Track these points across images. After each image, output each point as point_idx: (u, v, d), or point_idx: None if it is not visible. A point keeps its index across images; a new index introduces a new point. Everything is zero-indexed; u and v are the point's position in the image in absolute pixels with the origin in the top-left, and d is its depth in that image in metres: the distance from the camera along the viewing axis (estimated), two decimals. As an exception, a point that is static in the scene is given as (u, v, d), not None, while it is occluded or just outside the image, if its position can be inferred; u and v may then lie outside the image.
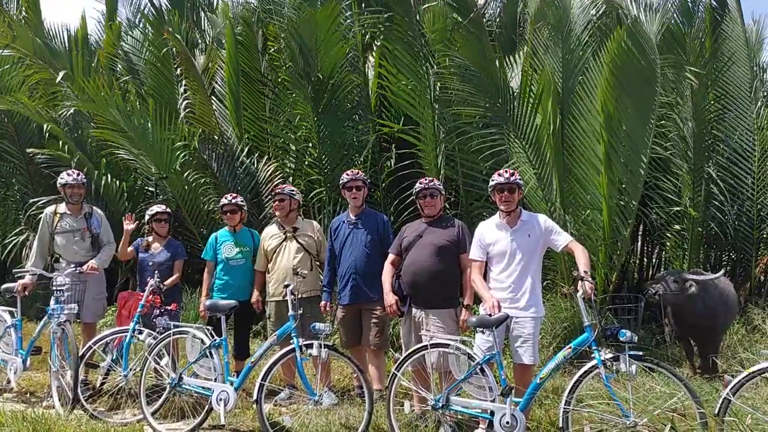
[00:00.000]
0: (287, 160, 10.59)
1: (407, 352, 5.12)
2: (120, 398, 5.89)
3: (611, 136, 7.71)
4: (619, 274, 8.58)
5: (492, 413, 4.66)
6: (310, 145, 10.17)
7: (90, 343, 5.87)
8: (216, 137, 10.38)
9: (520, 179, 5.16)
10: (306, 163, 10.23)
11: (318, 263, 6.39)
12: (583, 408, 4.72)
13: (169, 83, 10.87)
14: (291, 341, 5.13)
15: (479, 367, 4.76)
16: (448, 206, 9.75)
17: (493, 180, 5.15)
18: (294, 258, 6.14)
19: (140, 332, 5.80)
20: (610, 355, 4.41)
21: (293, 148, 10.47)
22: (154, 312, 5.96)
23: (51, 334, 6.00)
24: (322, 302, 6.09)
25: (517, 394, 4.78)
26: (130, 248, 6.69)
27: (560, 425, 4.44)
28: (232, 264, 6.41)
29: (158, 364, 5.55)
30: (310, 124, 9.85)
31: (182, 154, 9.69)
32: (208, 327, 5.48)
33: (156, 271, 6.31)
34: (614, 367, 4.38)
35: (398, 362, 5.09)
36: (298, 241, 6.21)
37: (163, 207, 6.77)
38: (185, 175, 9.61)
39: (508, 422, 4.57)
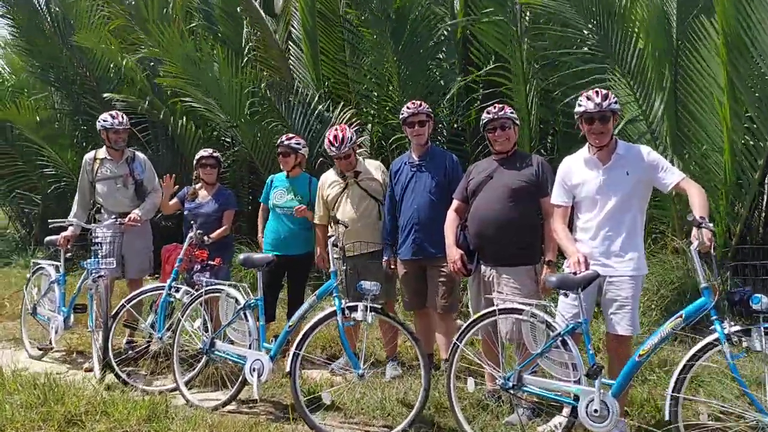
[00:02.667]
0: (368, 107, 9.60)
1: (472, 318, 4.09)
2: (163, 362, 5.19)
3: (736, 58, 6.20)
4: (743, 226, 7.09)
5: (576, 398, 3.57)
6: (390, 89, 9.13)
7: (123, 301, 5.17)
8: (285, 82, 9.47)
9: (616, 103, 3.91)
10: (387, 108, 9.21)
11: None
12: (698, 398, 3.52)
13: (239, 27, 10.05)
14: (333, 303, 4.20)
15: (560, 338, 3.67)
16: (543, 152, 8.53)
17: (579, 105, 3.93)
18: (359, 207, 5.17)
19: (177, 290, 5.05)
20: (737, 328, 3.21)
21: (375, 93, 9.47)
22: (194, 267, 5.19)
23: (87, 290, 5.39)
24: (384, 258, 5.17)
25: (609, 373, 3.67)
26: (174, 200, 5.95)
27: (667, 417, 3.30)
28: (280, 213, 5.54)
29: (192, 326, 4.78)
30: (390, 65, 8.78)
31: (251, 101, 8.88)
32: (243, 285, 4.63)
33: (199, 223, 5.55)
34: (743, 344, 3.19)
35: (461, 330, 4.07)
36: (360, 186, 5.23)
37: (210, 151, 5.94)
38: (255, 121, 8.78)
39: (596, 410, 3.48)
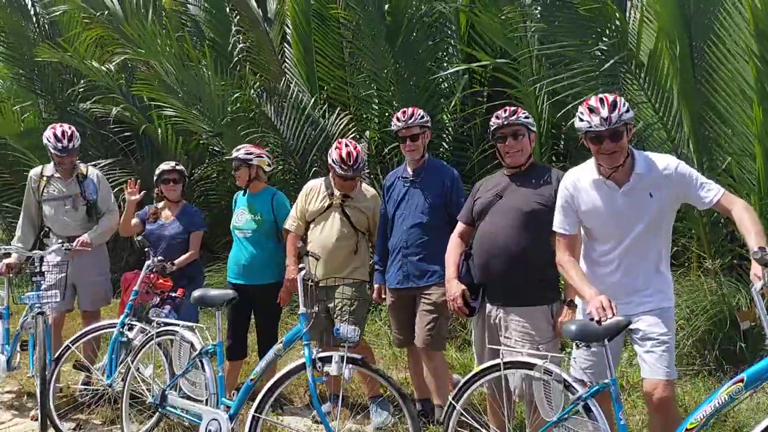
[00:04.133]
0: (368, 112, 8.79)
1: (473, 372, 3.26)
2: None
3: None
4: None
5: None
6: (390, 92, 8.32)
7: (68, 341, 4.34)
8: (278, 86, 8.65)
9: (628, 111, 2.99)
10: (387, 114, 8.39)
11: (371, 245, 4.63)
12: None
13: (226, 29, 9.28)
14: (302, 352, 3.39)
15: (582, 403, 2.84)
16: (554, 159, 7.69)
17: (581, 119, 3.02)
18: (338, 235, 4.35)
19: (130, 327, 4.24)
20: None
21: (374, 98, 8.66)
22: (153, 300, 4.39)
23: (26, 328, 4.59)
24: (376, 285, 4.40)
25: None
26: (135, 220, 5.09)
27: None
28: (240, 236, 4.73)
29: (146, 370, 3.98)
30: (388, 67, 7.97)
31: (237, 107, 8.08)
32: (201, 326, 3.84)
33: (163, 247, 4.77)
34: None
35: (459, 387, 3.25)
36: (344, 213, 4.39)
37: (172, 164, 5.09)
38: (242, 128, 7.97)
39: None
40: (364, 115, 8.86)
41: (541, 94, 6.93)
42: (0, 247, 4.86)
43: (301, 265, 3.59)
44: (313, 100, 8.62)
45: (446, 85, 8.36)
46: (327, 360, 3.31)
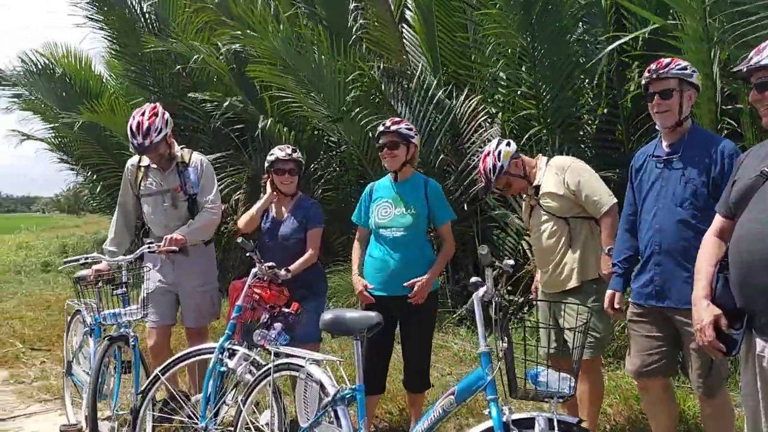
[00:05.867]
0: (496, 93, 7.56)
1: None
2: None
3: None
4: None
5: None
6: (523, 69, 7.06)
7: (157, 370, 3.35)
8: (401, 67, 7.58)
9: None
10: (519, 93, 7.13)
11: None
12: None
13: (343, 7, 8.27)
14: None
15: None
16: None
17: None
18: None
19: (231, 353, 3.23)
20: None
21: (503, 76, 7.42)
22: (262, 317, 3.35)
23: (95, 355, 3.62)
24: (608, 291, 3.19)
25: None
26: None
27: None
28: (385, 235, 3.62)
29: (259, 416, 2.95)
30: (521, 41, 6.68)
31: (358, 90, 7.05)
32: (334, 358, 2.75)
33: (274, 249, 3.78)
34: None
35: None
36: (540, 206, 3.52)
37: (288, 150, 4.00)
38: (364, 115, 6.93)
39: None
40: (494, 96, 7.63)
41: (714, 59, 5.43)
42: (81, 257, 3.89)
43: (473, 279, 2.40)
44: (437, 80, 7.50)
45: (584, 59, 6.93)
46: (527, 425, 2.13)
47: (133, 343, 3.59)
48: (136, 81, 10.46)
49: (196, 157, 4.12)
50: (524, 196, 3.73)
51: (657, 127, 3.07)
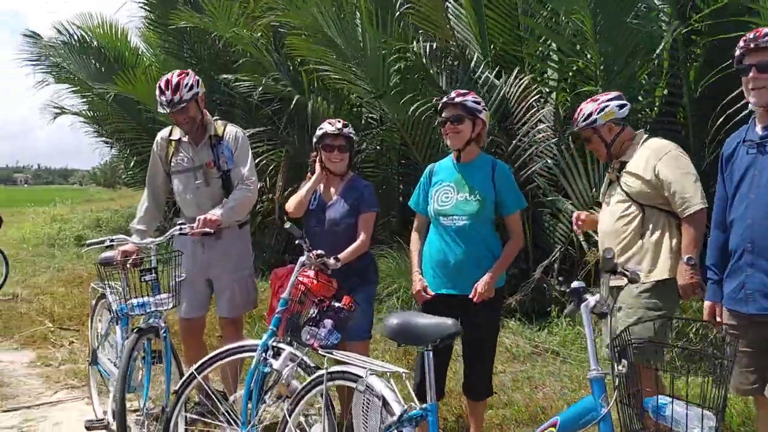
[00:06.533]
0: (549, 70, 7.10)
1: None
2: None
3: None
4: None
5: None
6: (578, 47, 6.54)
7: (193, 368, 2.96)
8: (447, 43, 7.10)
9: None
10: (575, 69, 6.62)
11: None
12: None
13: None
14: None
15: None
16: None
17: None
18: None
19: (276, 352, 2.83)
20: None
21: (554, 57, 6.92)
22: (309, 312, 2.96)
23: (124, 350, 3.24)
24: (708, 304, 2.78)
25: None
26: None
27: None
28: (446, 224, 3.20)
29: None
30: (580, 16, 6.15)
31: (402, 63, 6.60)
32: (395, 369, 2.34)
33: (322, 234, 3.38)
34: None
35: None
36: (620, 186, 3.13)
37: (339, 125, 3.54)
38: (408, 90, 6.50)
39: None
40: (545, 75, 7.12)
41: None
42: (105, 238, 3.50)
43: (575, 284, 1.96)
44: (484, 58, 7.02)
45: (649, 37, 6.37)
46: None
47: (164, 335, 3.25)
48: (174, 53, 10.13)
49: (231, 130, 3.72)
50: (609, 168, 3.27)
51: (751, 106, 2.66)
